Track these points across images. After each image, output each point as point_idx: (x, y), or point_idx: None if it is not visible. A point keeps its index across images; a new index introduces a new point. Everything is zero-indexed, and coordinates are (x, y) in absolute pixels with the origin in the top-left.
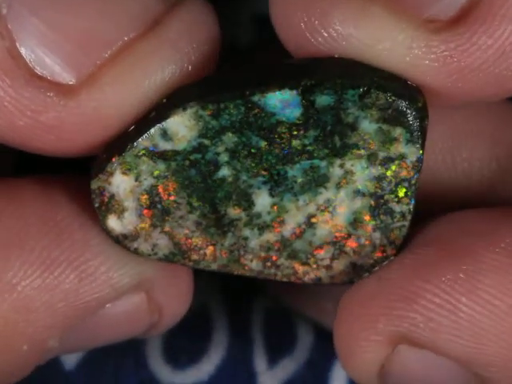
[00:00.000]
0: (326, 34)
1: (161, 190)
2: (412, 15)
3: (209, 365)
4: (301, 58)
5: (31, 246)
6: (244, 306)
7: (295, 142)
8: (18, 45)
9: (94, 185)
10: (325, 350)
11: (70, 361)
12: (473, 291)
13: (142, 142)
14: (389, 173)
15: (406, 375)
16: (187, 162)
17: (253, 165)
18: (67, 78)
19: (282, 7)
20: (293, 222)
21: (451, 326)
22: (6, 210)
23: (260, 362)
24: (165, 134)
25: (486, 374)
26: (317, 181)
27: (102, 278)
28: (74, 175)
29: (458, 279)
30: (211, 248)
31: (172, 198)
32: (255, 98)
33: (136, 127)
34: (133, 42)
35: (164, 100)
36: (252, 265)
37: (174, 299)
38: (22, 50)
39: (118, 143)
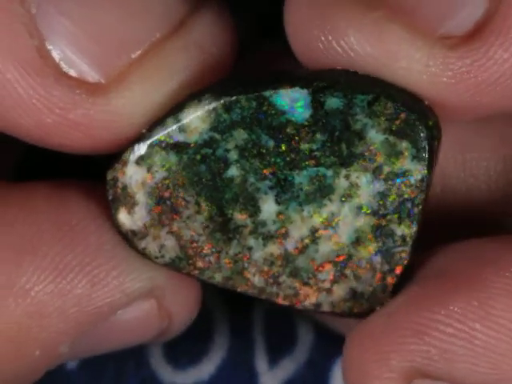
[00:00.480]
0: (342, 53)
1: (171, 184)
2: (427, 32)
3: (210, 365)
4: (314, 69)
5: (44, 251)
6: (244, 307)
7: (303, 146)
8: (47, 44)
9: (110, 175)
10: (325, 349)
11: (72, 360)
12: (486, 317)
13: (157, 131)
14: (393, 190)
15: None
16: (198, 157)
17: (261, 166)
18: (95, 77)
19: (297, 22)
20: (297, 234)
21: (467, 354)
22: (19, 215)
23: (261, 362)
24: (179, 125)
25: None
26: (322, 191)
27: (113, 283)
28: (85, 179)
29: (471, 306)
30: (216, 255)
31: (181, 194)
32: (267, 94)
33: (154, 123)
34: (160, 43)
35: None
36: (255, 280)
37: (183, 307)
38: (51, 49)
39: (137, 138)
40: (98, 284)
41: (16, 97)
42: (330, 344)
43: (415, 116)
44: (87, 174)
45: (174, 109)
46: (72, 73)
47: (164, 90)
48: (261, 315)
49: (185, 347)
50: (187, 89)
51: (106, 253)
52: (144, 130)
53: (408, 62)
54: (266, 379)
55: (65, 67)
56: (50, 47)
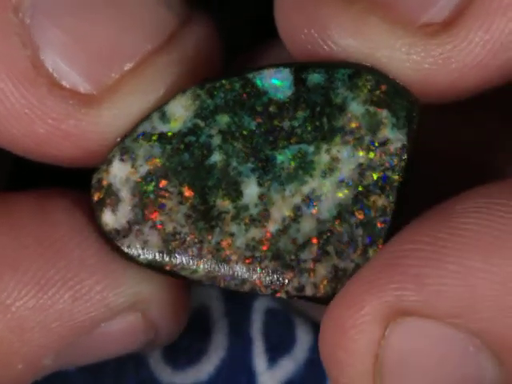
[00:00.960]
0: (325, 47)
1: (154, 177)
2: (408, 22)
3: (208, 365)
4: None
5: (26, 266)
6: (244, 306)
7: (285, 123)
8: (40, 54)
9: (95, 178)
10: None
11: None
12: (458, 235)
13: (141, 125)
14: (374, 160)
15: (400, 360)
16: (182, 146)
17: (243, 149)
18: (88, 88)
19: (285, 19)
20: (278, 215)
21: (439, 274)
22: (1, 229)
23: (260, 362)
24: (163, 116)
25: (481, 324)
26: (303, 168)
27: (96, 298)
28: (74, 189)
29: (441, 229)
30: (199, 246)
31: (164, 185)
32: (250, 75)
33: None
34: (151, 55)
35: None
36: (237, 268)
37: (170, 318)
38: (44, 60)
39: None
40: (80, 299)
41: (9, 106)
42: None
43: (395, 87)
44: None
45: (162, 104)
46: (65, 83)
47: (154, 101)
48: (260, 315)
49: (184, 347)
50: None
51: (89, 267)
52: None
53: (389, 51)
54: (264, 379)
55: (58, 78)
56: (43, 57)
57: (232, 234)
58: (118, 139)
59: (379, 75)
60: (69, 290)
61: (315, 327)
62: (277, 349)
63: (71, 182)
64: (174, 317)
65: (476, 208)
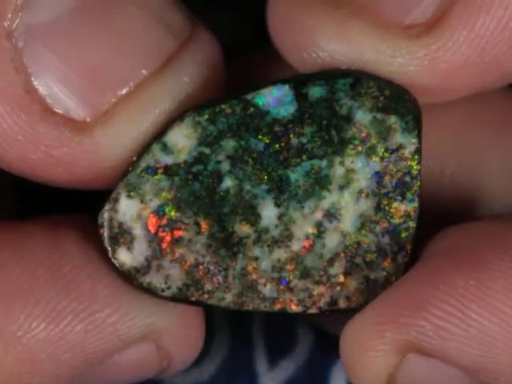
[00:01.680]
0: (312, 53)
1: (167, 210)
2: (392, 25)
3: (210, 365)
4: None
5: (37, 298)
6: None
7: (294, 141)
8: (33, 79)
9: (101, 218)
10: (325, 350)
11: None
12: (483, 298)
13: (144, 160)
14: (389, 166)
15: (414, 382)
16: (190, 176)
17: (255, 171)
18: (81, 114)
19: (276, 28)
20: (301, 233)
21: (461, 334)
22: (12, 259)
23: (261, 363)
24: (165, 147)
25: (495, 382)
26: (319, 183)
27: (108, 330)
28: (83, 216)
29: (469, 286)
30: (224, 274)
31: (179, 218)
32: (249, 97)
33: (138, 153)
34: (147, 80)
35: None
36: (266, 290)
37: (184, 347)
38: (37, 85)
39: (123, 174)
40: (92, 330)
41: (1, 132)
42: (329, 344)
43: (398, 90)
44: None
45: (157, 134)
46: (58, 109)
47: (150, 128)
48: (261, 316)
49: None
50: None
51: (101, 299)
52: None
53: (375, 54)
54: (265, 380)
55: (51, 104)
56: (36, 83)
57: (256, 258)
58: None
59: (379, 79)
60: (80, 322)
61: (315, 328)
62: (278, 350)
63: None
64: (188, 345)
65: (506, 270)
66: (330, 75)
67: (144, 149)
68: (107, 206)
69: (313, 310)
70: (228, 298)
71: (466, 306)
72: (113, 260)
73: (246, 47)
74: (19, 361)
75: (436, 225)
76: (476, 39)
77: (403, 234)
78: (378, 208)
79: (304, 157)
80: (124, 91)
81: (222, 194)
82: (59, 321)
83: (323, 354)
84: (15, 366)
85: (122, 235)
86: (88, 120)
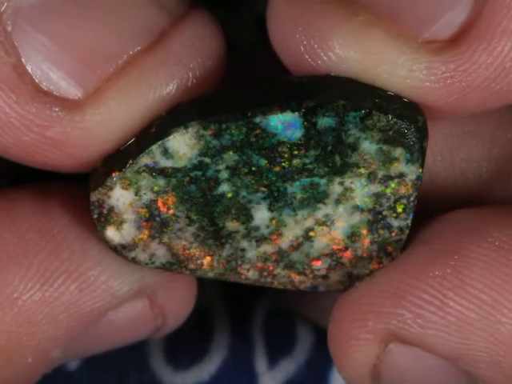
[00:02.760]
0: (325, 58)
1: (160, 204)
2: (411, 37)
3: (210, 365)
4: (300, 76)
5: (29, 260)
6: (245, 307)
7: (296, 161)
8: (23, 61)
9: (94, 197)
10: (325, 350)
11: (72, 361)
12: (460, 286)
13: (143, 158)
14: (388, 190)
15: (397, 374)
16: (187, 179)
17: (253, 182)
18: (73, 92)
19: (280, 28)
20: (291, 234)
21: (439, 321)
22: (3, 225)
23: (261, 363)
24: (166, 152)
25: (475, 370)
26: (316, 197)
27: (102, 287)
28: (72, 182)
29: (446, 275)
30: (208, 258)
31: (171, 211)
32: (257, 120)
33: (136, 142)
34: (138, 56)
35: (164, 114)
36: (249, 274)
37: (177, 302)
38: (28, 66)
39: (118, 158)
40: (85, 289)
41: None
42: None
43: (407, 122)
44: (85, 178)
45: (158, 133)
46: (49, 89)
47: (143, 105)
48: (261, 315)
49: (185, 348)
50: (167, 105)
51: (92, 258)
52: (128, 144)
53: (391, 66)
54: (265, 379)
55: (41, 84)
56: (26, 64)
57: (243, 249)
58: (132, 141)
59: (390, 112)
60: (74, 281)
61: (316, 327)
62: (278, 349)
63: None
64: (181, 300)
65: (483, 258)
66: (341, 107)
67: (143, 144)
68: (100, 190)
69: (292, 289)
70: (210, 275)
71: (443, 294)
72: (100, 234)
73: (246, 47)
74: (16, 322)
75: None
76: (494, 64)
77: (392, 246)
78: (370, 222)
79: (304, 174)
80: (115, 68)
81: (217, 196)
82: (53, 281)
83: (323, 353)
84: (13, 328)
85: (112, 217)
86: (79, 98)
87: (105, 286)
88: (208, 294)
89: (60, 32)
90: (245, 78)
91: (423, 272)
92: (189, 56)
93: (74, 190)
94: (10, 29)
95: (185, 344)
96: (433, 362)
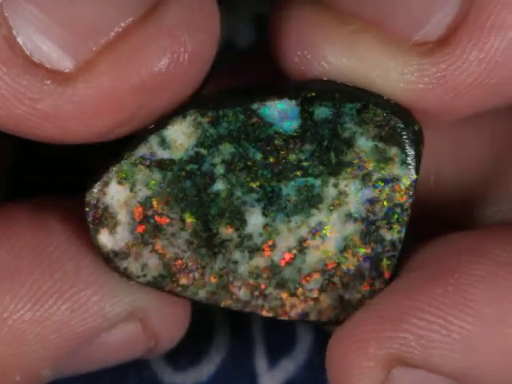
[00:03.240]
0: (319, 68)
1: (155, 202)
2: (401, 41)
3: (209, 365)
4: (299, 80)
5: (22, 279)
6: None
7: (291, 157)
8: (14, 33)
9: (89, 196)
10: (325, 350)
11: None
12: (462, 302)
13: (140, 149)
14: (382, 196)
15: None
16: (183, 173)
17: (248, 179)
18: (64, 65)
19: (277, 40)
20: (284, 245)
21: (443, 340)
22: None
23: (260, 363)
24: (163, 142)
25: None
26: (310, 201)
27: (94, 309)
28: (69, 198)
29: (447, 293)
30: (201, 271)
31: (165, 211)
32: (254, 106)
33: (134, 138)
34: (130, 29)
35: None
36: (240, 293)
37: (171, 326)
38: (19, 38)
39: (115, 154)
40: (77, 310)
41: None
42: None
43: (403, 122)
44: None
45: (156, 126)
46: (40, 61)
47: (134, 80)
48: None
49: (185, 348)
50: (160, 79)
51: (85, 278)
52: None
53: (383, 71)
54: (265, 379)
55: (33, 56)
56: (17, 36)
57: (235, 262)
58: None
59: (387, 107)
60: (66, 301)
61: (315, 328)
62: (277, 350)
63: (69, 186)
64: (174, 323)
65: (482, 274)
66: (339, 97)
67: (141, 137)
68: (96, 187)
69: (283, 318)
70: (201, 294)
71: (446, 312)
72: (93, 240)
73: (244, 47)
74: (6, 342)
75: (431, 230)
76: (486, 59)
77: (384, 263)
78: (363, 233)
79: (299, 173)
80: (106, 40)
81: (211, 195)
82: (45, 301)
83: (323, 353)
84: (2, 347)
85: (106, 218)
86: (70, 70)
87: (97, 307)
88: None
89: (51, 3)
90: (243, 81)
91: (423, 293)
92: (181, 30)
93: (70, 206)
94: (0, 1)
95: (184, 344)
96: (438, 383)
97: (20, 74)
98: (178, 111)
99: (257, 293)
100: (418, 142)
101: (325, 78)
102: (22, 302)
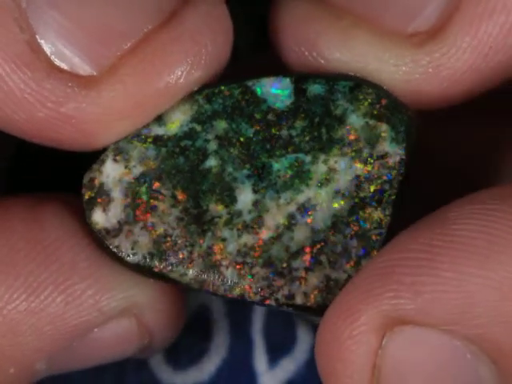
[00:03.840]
0: (315, 62)
1: (148, 179)
2: (394, 33)
3: (209, 365)
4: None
5: (17, 271)
6: (244, 307)
7: (283, 132)
8: (38, 38)
9: (87, 177)
10: None
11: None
12: (451, 239)
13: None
14: (371, 173)
15: (398, 368)
16: (177, 149)
17: (240, 155)
18: (87, 69)
19: (277, 37)
20: (272, 222)
21: (435, 281)
22: None
23: (260, 363)
24: (159, 119)
25: (478, 329)
26: (300, 177)
27: (89, 302)
28: (67, 194)
29: (434, 235)
30: (189, 249)
31: (158, 187)
32: (249, 83)
33: None
34: (152, 34)
35: None
36: (227, 273)
37: (165, 324)
38: (42, 43)
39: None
40: (72, 303)
41: (7, 91)
42: None
43: (395, 101)
44: (79, 169)
45: None
46: (63, 66)
47: (158, 82)
48: (260, 315)
49: (184, 348)
50: (182, 81)
51: (81, 271)
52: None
53: (379, 63)
54: (265, 379)
55: (56, 61)
56: (41, 41)
57: (224, 239)
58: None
59: (379, 89)
60: (61, 293)
61: (315, 327)
62: (277, 349)
63: (68, 186)
64: (169, 321)
65: (469, 214)
66: (332, 76)
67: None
68: (95, 166)
69: (270, 302)
70: (189, 275)
71: (434, 253)
72: (87, 219)
73: (245, 48)
74: (1, 333)
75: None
76: (479, 45)
77: (371, 241)
78: (351, 210)
79: (290, 149)
80: (129, 45)
81: (203, 171)
82: (40, 292)
83: None
84: None
85: (100, 196)
86: (94, 74)
87: (92, 300)
88: (207, 294)
89: (74, 9)
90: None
91: (409, 242)
92: (201, 33)
93: (68, 201)
94: (24, 5)
95: (184, 344)
96: (434, 341)
97: (44, 79)
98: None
99: (244, 272)
100: (409, 124)
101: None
102: (17, 292)
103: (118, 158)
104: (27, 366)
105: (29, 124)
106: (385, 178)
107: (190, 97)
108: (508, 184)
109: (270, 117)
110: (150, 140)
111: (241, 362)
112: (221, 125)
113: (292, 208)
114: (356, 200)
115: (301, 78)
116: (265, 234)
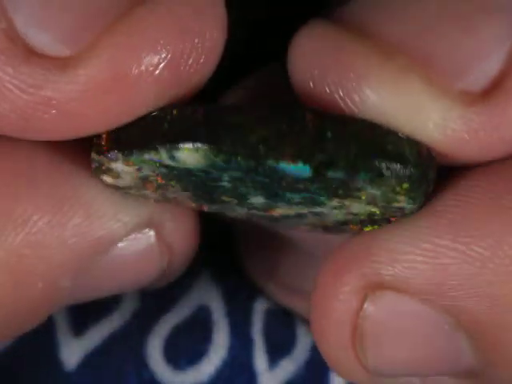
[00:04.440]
0: (357, 99)
1: (158, 178)
2: (445, 85)
3: (209, 365)
4: (316, 110)
5: (39, 182)
6: (244, 307)
7: (299, 185)
8: (13, 23)
9: (95, 157)
10: None
11: (71, 361)
12: (428, 211)
13: (148, 154)
14: (386, 213)
15: (377, 330)
16: (189, 173)
17: (253, 185)
18: (64, 51)
19: (304, 63)
20: (283, 211)
21: (412, 251)
22: (15, 150)
23: (260, 363)
24: (172, 157)
25: (454, 302)
26: (313, 203)
27: (110, 213)
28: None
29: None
30: (197, 204)
31: (167, 183)
32: (269, 162)
33: (143, 129)
34: (129, 10)
35: (175, 111)
36: (237, 208)
37: (183, 239)
38: (18, 28)
39: (123, 137)
40: (94, 214)
41: None
42: None
43: (417, 175)
44: None
45: (166, 135)
46: (40, 50)
47: (136, 57)
48: (260, 316)
49: (184, 348)
50: (164, 59)
51: (99, 187)
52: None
53: (425, 112)
54: (265, 379)
55: (33, 45)
56: (16, 26)
57: (234, 209)
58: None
59: (402, 170)
60: (82, 205)
61: None
62: (277, 349)
63: None
64: (187, 236)
65: (447, 188)
66: (353, 165)
67: (150, 142)
68: (103, 157)
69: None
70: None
71: (417, 226)
72: (95, 176)
73: (238, 51)
74: (27, 243)
75: None
76: None
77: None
78: (362, 220)
79: (304, 192)
80: (106, 23)
81: (216, 186)
82: (62, 205)
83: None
84: (24, 250)
85: (110, 171)
86: (71, 55)
87: (112, 211)
88: (206, 294)
89: None
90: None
91: None
92: (182, 11)
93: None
94: None
95: (184, 344)
96: (411, 309)
97: (21, 64)
98: (189, 126)
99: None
100: (427, 192)
101: (351, 115)
102: (40, 203)
103: (128, 164)
104: (53, 282)
105: (13, 114)
106: (397, 215)
107: (204, 153)
108: (493, 163)
109: (286, 178)
110: (163, 165)
111: (241, 363)
112: (236, 174)
113: (303, 211)
114: (367, 217)
115: (322, 164)
116: (276, 214)
